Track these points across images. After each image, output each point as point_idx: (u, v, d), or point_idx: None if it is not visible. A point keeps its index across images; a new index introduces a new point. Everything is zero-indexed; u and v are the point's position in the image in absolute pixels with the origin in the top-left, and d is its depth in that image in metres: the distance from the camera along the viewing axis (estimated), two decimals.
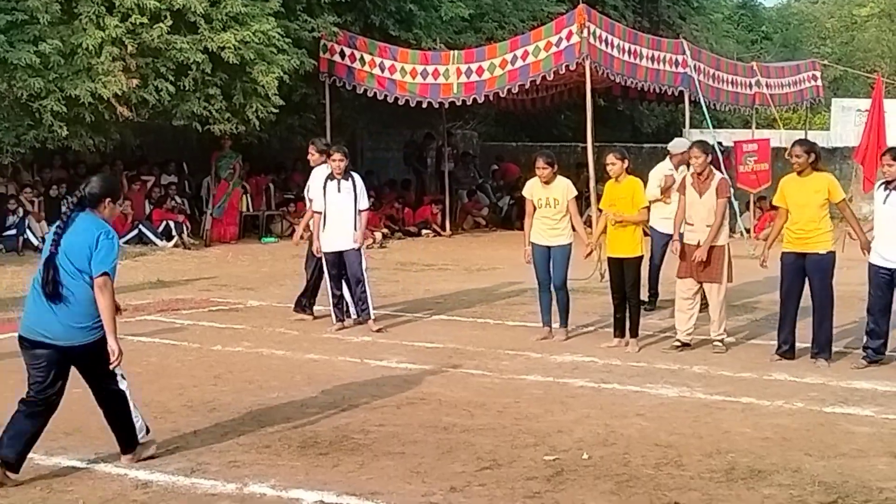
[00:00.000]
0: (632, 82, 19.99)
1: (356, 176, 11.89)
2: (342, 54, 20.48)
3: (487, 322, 12.28)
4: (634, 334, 10.81)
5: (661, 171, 12.81)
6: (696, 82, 20.67)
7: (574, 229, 11.16)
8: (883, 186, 9.80)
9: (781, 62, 28.84)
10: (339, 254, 11.64)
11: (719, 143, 22.96)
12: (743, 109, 24.94)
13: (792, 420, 7.93)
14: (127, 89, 16.76)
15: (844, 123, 27.85)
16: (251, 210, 22.22)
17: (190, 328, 11.71)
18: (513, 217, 25.92)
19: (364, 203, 11.80)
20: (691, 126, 22.35)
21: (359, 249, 11.66)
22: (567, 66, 18.26)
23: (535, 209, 11.18)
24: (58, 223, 6.47)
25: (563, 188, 11.06)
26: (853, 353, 10.41)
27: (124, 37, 16.75)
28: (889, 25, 41.39)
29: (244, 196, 21.88)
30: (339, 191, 11.62)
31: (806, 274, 10.03)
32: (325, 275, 11.80)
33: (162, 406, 8.17)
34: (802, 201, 9.96)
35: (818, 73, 26.60)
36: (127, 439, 6.73)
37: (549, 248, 11.10)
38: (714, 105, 22.72)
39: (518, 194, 26.83)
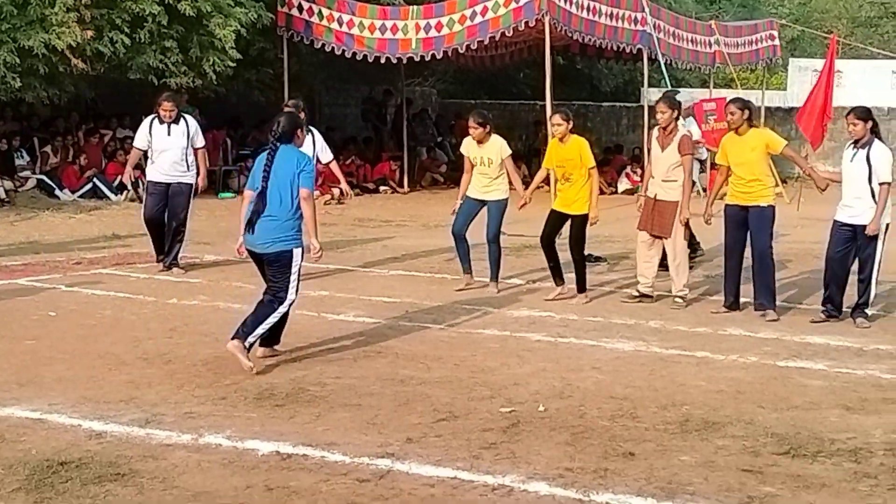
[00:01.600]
0: (590, 39, 19.98)
1: (315, 131, 11.91)
2: (300, 8, 20.30)
3: (445, 277, 12.28)
4: (582, 290, 10.88)
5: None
6: (656, 40, 20.68)
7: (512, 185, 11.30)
8: (851, 145, 9.88)
9: (739, 21, 28.88)
10: None
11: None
12: (703, 68, 24.98)
13: (746, 373, 8.00)
14: (81, 41, 16.53)
15: (801, 83, 28.02)
16: (208, 165, 22.00)
17: (145, 282, 11.63)
18: None
19: (327, 156, 12.01)
20: (650, 85, 22.40)
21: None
22: (526, 23, 18.23)
23: (472, 166, 11.25)
24: (267, 157, 7.90)
25: (497, 148, 11.17)
26: (805, 308, 10.52)
27: None
28: None
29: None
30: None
31: (748, 226, 10.21)
32: None
33: (117, 358, 8.13)
34: (742, 159, 10.16)
35: (775, 33, 26.69)
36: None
37: (482, 201, 11.24)
38: (675, 63, 22.74)
39: None
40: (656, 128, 10.89)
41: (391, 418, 6.70)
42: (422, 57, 20.12)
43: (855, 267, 9.99)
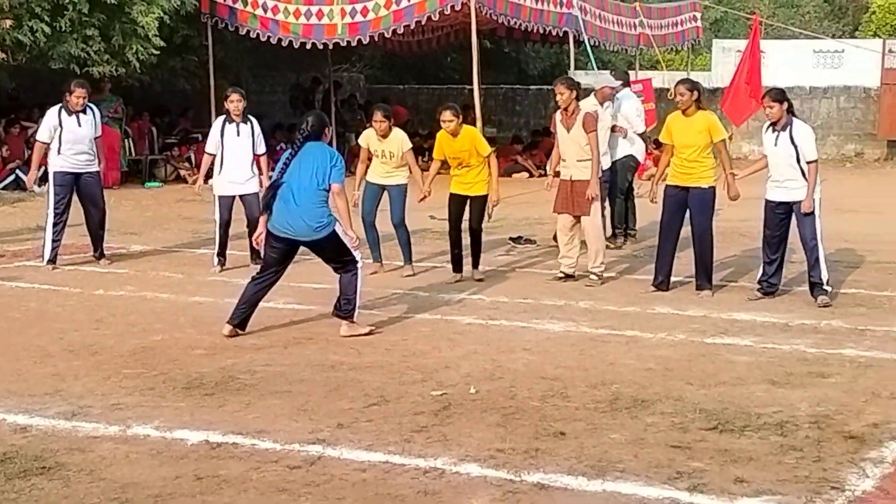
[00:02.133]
0: (516, 23, 19.96)
1: (254, 121, 11.89)
2: None
3: (366, 262, 12.22)
4: (476, 265, 11.09)
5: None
6: (582, 22, 20.73)
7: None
8: (770, 129, 9.91)
9: (663, 3, 29.07)
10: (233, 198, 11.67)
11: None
12: (629, 50, 25.13)
13: (674, 351, 8.07)
14: (0, 30, 16.24)
15: (725, 64, 28.26)
16: (133, 154, 21.79)
17: (71, 273, 11.48)
18: None
19: (262, 148, 11.89)
20: (576, 68, 22.45)
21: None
22: (452, 7, 18.14)
23: (370, 157, 11.35)
24: (295, 152, 8.45)
25: (399, 142, 11.24)
26: (734, 286, 10.66)
27: None
28: None
29: (126, 140, 21.44)
30: (237, 135, 11.60)
31: (687, 207, 10.24)
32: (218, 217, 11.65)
33: (42, 350, 8.02)
34: (687, 140, 10.16)
35: (698, 14, 26.93)
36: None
37: (383, 186, 11.35)
38: (603, 45, 22.82)
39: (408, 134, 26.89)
40: (558, 111, 10.89)
41: (322, 404, 6.67)
42: (348, 42, 19.97)
43: (794, 246, 10.13)
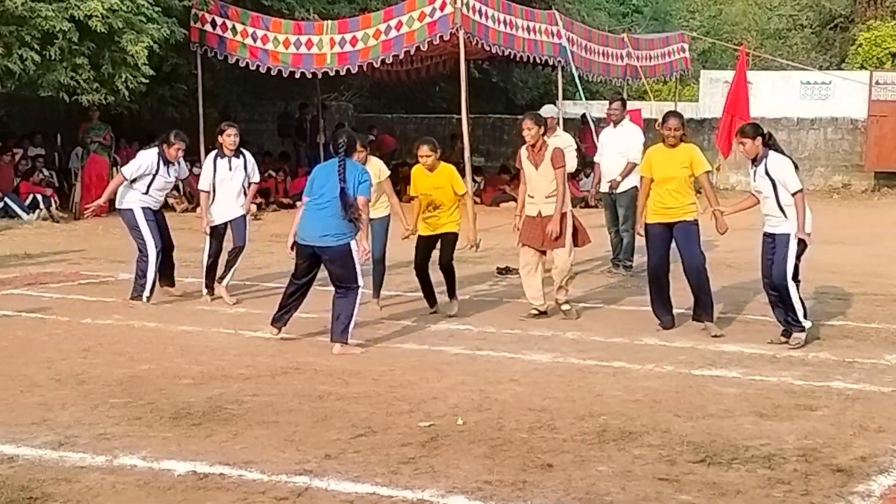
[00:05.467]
0: (510, 52, 20.08)
1: (246, 153, 11.89)
2: (213, 24, 20.20)
3: (364, 291, 12.21)
4: (452, 296, 10.94)
5: (556, 144, 12.73)
6: (570, 53, 20.84)
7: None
8: (751, 164, 9.58)
9: (651, 34, 29.24)
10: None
11: (585, 115, 23.26)
12: (615, 81, 25.24)
13: (662, 383, 8.07)
14: None
15: (713, 95, 28.42)
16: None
17: (58, 302, 11.44)
18: None
19: (256, 177, 11.98)
20: (564, 97, 22.55)
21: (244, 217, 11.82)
22: (441, 37, 18.26)
23: None
24: (339, 168, 9.01)
25: (376, 170, 10.85)
26: (721, 317, 10.57)
27: None
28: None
29: (114, 168, 21.42)
30: (230, 169, 11.56)
31: (673, 243, 9.98)
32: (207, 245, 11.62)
33: (29, 379, 7.98)
34: (670, 174, 9.92)
35: (686, 46, 27.07)
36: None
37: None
38: (586, 76, 22.93)
39: (396, 163, 26.97)
40: (523, 147, 10.68)
41: (309, 435, 6.66)
42: (337, 72, 20.07)
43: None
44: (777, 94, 28.62)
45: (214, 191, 11.57)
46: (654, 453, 6.32)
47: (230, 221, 11.61)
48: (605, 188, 13.95)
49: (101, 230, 18.10)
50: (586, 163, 20.94)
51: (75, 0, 17.02)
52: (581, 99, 22.17)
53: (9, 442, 6.44)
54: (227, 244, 11.68)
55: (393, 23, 18.80)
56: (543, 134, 10.63)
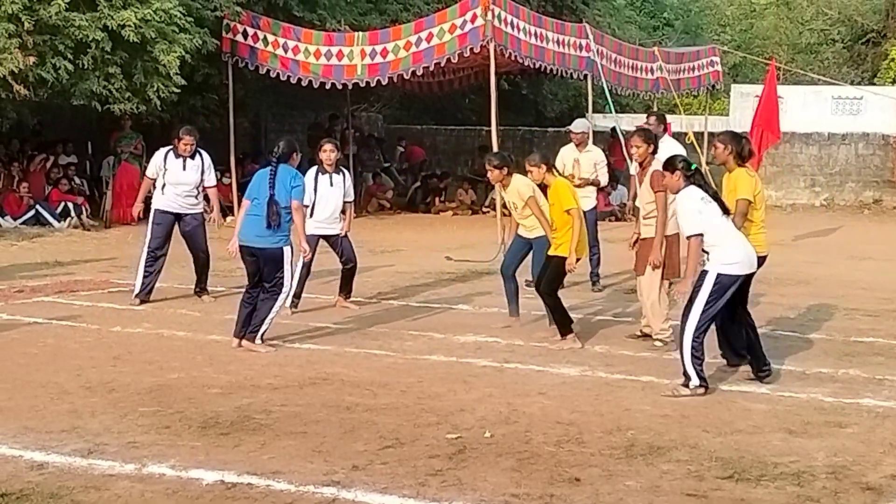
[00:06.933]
0: (540, 65, 20.12)
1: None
2: (245, 34, 20.32)
3: (391, 303, 12.27)
4: (564, 333, 10.14)
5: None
6: (599, 66, 20.84)
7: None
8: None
9: (682, 48, 29.18)
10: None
11: (615, 128, 23.23)
12: (644, 94, 25.21)
13: (690, 398, 8.04)
14: (24, 67, 16.41)
15: (743, 109, 28.30)
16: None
17: (89, 310, 11.51)
18: (416, 200, 26.12)
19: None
20: (594, 111, 22.55)
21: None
22: (471, 49, 18.31)
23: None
24: (269, 174, 9.41)
25: (516, 191, 10.36)
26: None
27: (21, 13, 16.38)
28: (786, 13, 42.13)
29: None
30: (331, 185, 11.52)
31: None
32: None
33: (59, 387, 8.04)
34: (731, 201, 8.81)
35: (717, 59, 26.99)
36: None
37: (528, 240, 10.65)
38: (615, 89, 22.92)
39: (426, 174, 26.96)
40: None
41: (337, 446, 6.67)
42: (367, 83, 20.15)
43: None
44: (808, 109, 28.50)
45: (313, 207, 11.38)
46: (683, 469, 6.30)
47: (327, 237, 11.67)
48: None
49: (131, 238, 18.18)
50: (614, 176, 20.92)
51: (109, 10, 17.14)
52: (611, 112, 22.14)
53: (39, 449, 6.48)
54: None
55: (424, 34, 18.86)
56: (653, 152, 9.93)
